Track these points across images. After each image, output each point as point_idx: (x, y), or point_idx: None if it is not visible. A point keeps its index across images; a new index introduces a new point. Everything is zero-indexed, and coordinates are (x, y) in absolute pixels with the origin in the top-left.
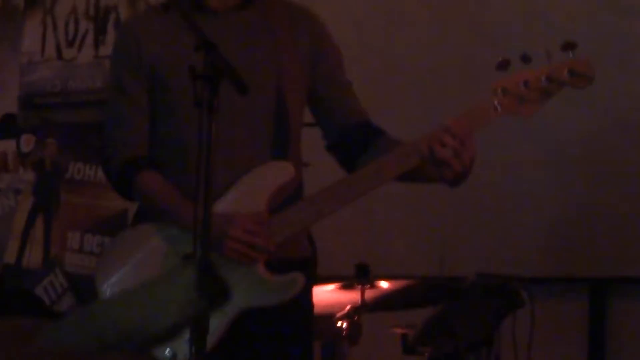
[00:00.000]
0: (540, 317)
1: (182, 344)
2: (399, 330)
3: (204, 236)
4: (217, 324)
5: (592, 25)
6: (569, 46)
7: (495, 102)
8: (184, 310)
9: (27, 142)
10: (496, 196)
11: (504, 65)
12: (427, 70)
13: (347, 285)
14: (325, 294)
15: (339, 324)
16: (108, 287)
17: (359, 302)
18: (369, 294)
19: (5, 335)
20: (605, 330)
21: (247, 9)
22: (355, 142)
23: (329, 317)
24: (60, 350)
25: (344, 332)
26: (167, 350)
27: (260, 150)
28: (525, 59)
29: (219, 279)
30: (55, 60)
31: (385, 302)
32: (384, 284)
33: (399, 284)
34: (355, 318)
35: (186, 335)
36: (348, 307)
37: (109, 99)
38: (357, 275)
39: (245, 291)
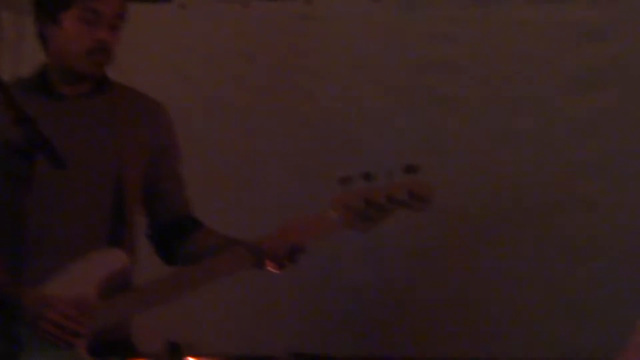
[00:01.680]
0: None
1: None
2: None
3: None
4: None
5: None
6: (410, 169)
7: (336, 216)
8: None
9: None
10: (311, 275)
11: (345, 180)
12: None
13: None
14: None
15: None
16: None
17: None
18: None
19: None
20: None
21: (97, 96)
22: (178, 234)
23: None
24: None
25: None
26: None
27: (95, 236)
28: (367, 177)
29: None
30: None
31: None
32: None
33: None
34: None
35: None
36: None
37: None
38: (168, 354)
39: None
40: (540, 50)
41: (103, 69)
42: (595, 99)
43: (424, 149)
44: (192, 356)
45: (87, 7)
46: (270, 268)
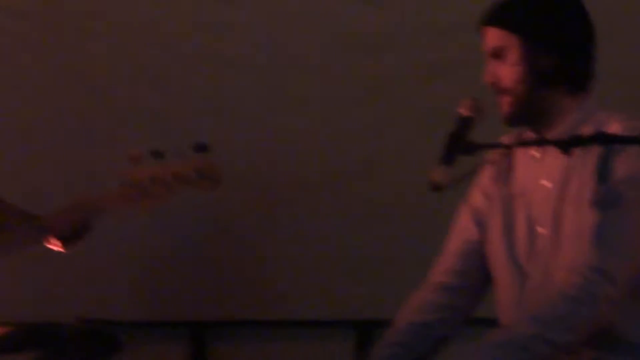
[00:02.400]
0: None
1: None
2: None
3: None
4: None
5: None
6: (200, 147)
7: (121, 193)
8: None
9: None
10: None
11: (135, 157)
12: None
13: None
14: None
15: None
16: None
17: None
18: None
19: None
20: None
21: None
22: None
23: None
24: None
25: None
26: None
27: None
28: (156, 154)
29: None
30: None
31: None
32: None
33: None
34: None
35: None
36: None
37: None
38: None
39: None
40: (325, 13)
41: None
42: (381, 62)
43: (211, 117)
44: None
45: None
46: (54, 246)
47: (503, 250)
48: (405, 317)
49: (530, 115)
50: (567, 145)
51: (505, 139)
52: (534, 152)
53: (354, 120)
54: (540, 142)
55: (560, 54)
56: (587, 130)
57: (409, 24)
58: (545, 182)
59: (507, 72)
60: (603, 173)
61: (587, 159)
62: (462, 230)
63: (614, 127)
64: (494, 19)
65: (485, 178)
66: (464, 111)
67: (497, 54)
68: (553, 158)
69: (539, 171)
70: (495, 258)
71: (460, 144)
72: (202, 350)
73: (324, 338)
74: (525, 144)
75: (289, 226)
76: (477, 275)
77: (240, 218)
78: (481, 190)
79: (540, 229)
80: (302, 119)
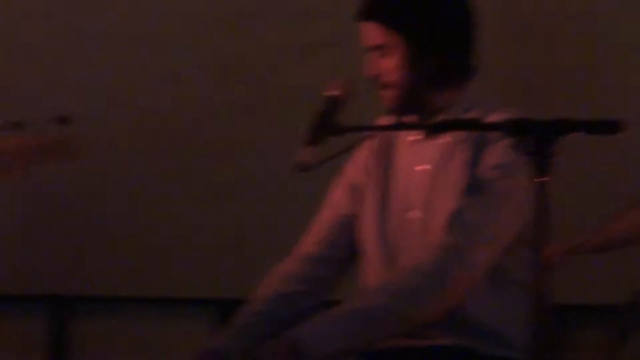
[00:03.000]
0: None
1: None
2: None
3: None
4: None
5: None
6: (63, 120)
7: None
8: None
9: None
10: None
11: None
12: None
13: None
14: None
15: None
16: None
17: None
18: None
19: None
20: (66, 350)
21: None
22: None
23: None
24: None
25: None
26: None
27: None
28: (16, 125)
29: None
30: None
31: None
32: None
33: None
34: None
35: None
36: None
37: None
38: None
39: None
40: None
41: None
42: (247, 41)
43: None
44: None
45: None
46: None
47: (375, 231)
48: (269, 287)
49: (415, 108)
50: (433, 129)
51: (383, 120)
52: (414, 136)
53: (219, 100)
54: (405, 127)
55: (445, 52)
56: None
57: (275, 3)
58: (422, 167)
59: (391, 68)
60: (475, 161)
61: (462, 147)
62: (335, 203)
63: (492, 118)
64: (375, 14)
65: (365, 152)
66: (331, 92)
67: (380, 49)
68: (431, 144)
69: (418, 156)
70: (367, 236)
71: (328, 125)
72: (60, 326)
73: (187, 315)
74: (390, 128)
75: (149, 203)
76: (345, 248)
77: (99, 193)
78: (360, 165)
79: (413, 213)
80: (167, 96)
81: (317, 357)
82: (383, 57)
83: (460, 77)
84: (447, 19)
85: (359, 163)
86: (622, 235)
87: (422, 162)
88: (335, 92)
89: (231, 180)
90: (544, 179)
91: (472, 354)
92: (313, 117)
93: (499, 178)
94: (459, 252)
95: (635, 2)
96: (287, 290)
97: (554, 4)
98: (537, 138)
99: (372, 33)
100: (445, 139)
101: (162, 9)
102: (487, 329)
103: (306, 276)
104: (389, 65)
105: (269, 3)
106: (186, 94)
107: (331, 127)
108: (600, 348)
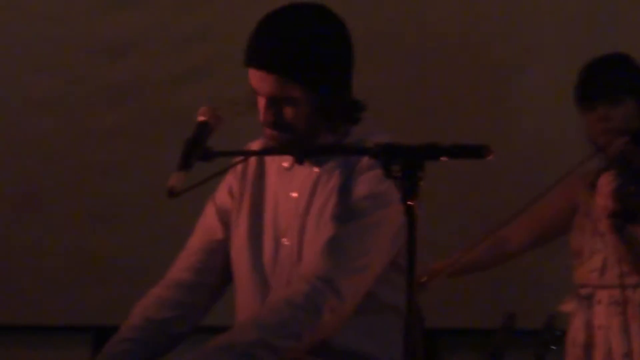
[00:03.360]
0: None
1: None
2: None
3: None
4: None
5: None
6: None
7: None
8: None
9: None
10: None
11: None
12: None
13: None
14: None
15: None
16: None
17: None
18: None
19: None
20: None
21: None
22: None
23: None
24: None
25: None
26: None
27: None
28: None
29: None
30: None
31: None
32: None
33: None
34: None
35: None
36: None
37: None
38: None
39: None
40: (70, 15)
41: None
42: (126, 66)
43: None
44: None
45: None
46: None
47: (248, 258)
48: (140, 312)
49: (308, 147)
50: (303, 154)
51: (253, 145)
52: (285, 162)
53: (96, 123)
54: (275, 152)
55: (341, 91)
56: None
57: (154, 29)
58: (293, 194)
59: (291, 116)
60: (345, 189)
61: (332, 174)
62: (207, 228)
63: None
64: (272, 66)
65: (232, 176)
66: (201, 117)
67: (277, 98)
68: (302, 170)
69: (288, 182)
70: (239, 262)
71: (198, 150)
72: None
73: (60, 344)
74: (260, 153)
75: (21, 228)
76: (218, 274)
77: None
78: (227, 189)
79: (285, 240)
80: (45, 120)
81: None
82: (281, 106)
83: (353, 112)
84: (340, 58)
85: (227, 187)
86: (486, 256)
87: (294, 189)
88: (204, 118)
89: (105, 204)
90: (412, 202)
91: None
92: (184, 142)
93: (371, 208)
94: (332, 284)
95: (512, 24)
96: (158, 317)
97: (433, 29)
98: (403, 162)
99: (268, 83)
100: (316, 166)
101: (44, 36)
102: (359, 353)
103: (178, 302)
104: (289, 114)
105: (147, 29)
106: (59, 117)
107: (201, 152)
108: None
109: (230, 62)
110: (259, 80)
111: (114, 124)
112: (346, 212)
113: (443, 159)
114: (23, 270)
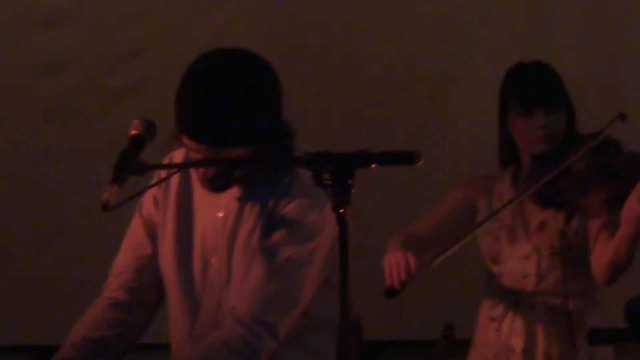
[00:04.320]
0: None
1: None
2: None
3: None
4: None
5: None
6: None
7: None
8: None
9: None
10: None
11: None
12: None
13: None
14: None
15: None
16: None
17: None
18: None
19: None
20: None
21: None
22: None
23: None
24: None
25: None
26: None
27: None
28: None
29: None
30: None
31: None
32: None
33: None
34: None
35: None
36: None
37: None
38: None
39: None
40: (3, 34)
41: None
42: (60, 84)
43: None
44: None
45: None
46: None
47: (176, 275)
48: (79, 332)
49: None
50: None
51: (177, 154)
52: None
53: (30, 143)
54: (201, 164)
55: (273, 138)
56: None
57: (90, 46)
58: (219, 214)
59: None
60: (273, 215)
61: (258, 195)
62: (136, 244)
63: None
64: (199, 137)
65: (156, 186)
66: (134, 131)
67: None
68: (227, 191)
69: (215, 199)
70: (168, 279)
71: (131, 164)
72: None
73: None
74: (187, 166)
75: None
76: (152, 291)
77: None
78: (152, 199)
79: (213, 260)
80: None
81: None
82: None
83: (289, 142)
84: (272, 108)
85: (151, 198)
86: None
87: (220, 207)
88: (137, 131)
89: (44, 222)
90: (343, 210)
91: None
92: (116, 156)
93: (301, 240)
94: (269, 327)
95: (446, 35)
96: (96, 336)
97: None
98: (333, 171)
99: (202, 150)
100: (239, 189)
101: None
102: None
103: (115, 321)
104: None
105: (82, 47)
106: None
107: (134, 165)
108: None
109: (166, 79)
110: (192, 145)
111: (49, 143)
112: (276, 245)
113: (373, 166)
114: None
